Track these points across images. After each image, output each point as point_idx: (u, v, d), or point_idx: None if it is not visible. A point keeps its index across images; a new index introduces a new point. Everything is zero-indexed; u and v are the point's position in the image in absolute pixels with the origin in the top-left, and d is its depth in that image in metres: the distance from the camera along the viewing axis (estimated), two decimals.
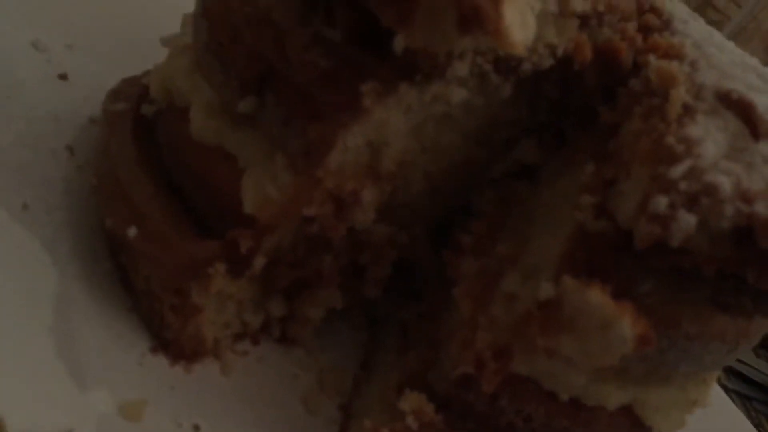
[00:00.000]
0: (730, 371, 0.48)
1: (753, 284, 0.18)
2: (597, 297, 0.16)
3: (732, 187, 0.16)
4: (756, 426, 0.44)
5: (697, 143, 0.17)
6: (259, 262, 0.20)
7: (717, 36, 0.25)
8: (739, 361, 0.49)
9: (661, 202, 0.16)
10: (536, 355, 0.17)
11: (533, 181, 0.24)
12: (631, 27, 0.21)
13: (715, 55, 0.22)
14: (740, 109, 0.18)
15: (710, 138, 0.17)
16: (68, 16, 0.30)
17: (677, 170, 0.16)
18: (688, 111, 0.18)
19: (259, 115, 0.20)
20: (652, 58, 0.19)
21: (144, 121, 0.23)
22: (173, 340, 0.20)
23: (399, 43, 0.17)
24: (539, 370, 0.19)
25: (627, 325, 0.16)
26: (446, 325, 0.22)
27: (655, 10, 0.23)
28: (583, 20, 0.20)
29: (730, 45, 0.25)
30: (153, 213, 0.20)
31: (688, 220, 0.16)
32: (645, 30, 0.22)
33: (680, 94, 0.18)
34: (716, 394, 0.37)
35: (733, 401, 0.47)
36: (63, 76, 0.28)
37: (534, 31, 0.17)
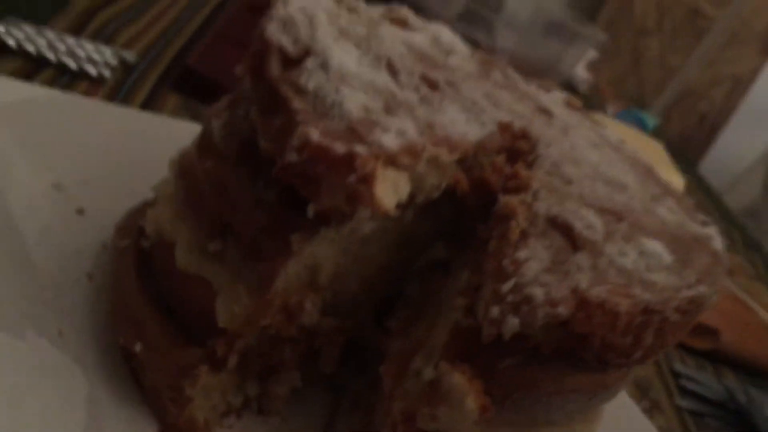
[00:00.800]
0: (681, 390, 0.54)
1: (590, 359, 0.25)
2: (458, 378, 0.23)
3: (543, 296, 0.23)
4: None
5: (524, 263, 0.23)
6: (232, 360, 0.27)
7: (585, 146, 0.32)
8: (687, 378, 0.55)
9: (495, 311, 0.23)
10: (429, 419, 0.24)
11: (446, 273, 0.31)
12: (500, 159, 0.28)
13: (567, 174, 0.29)
14: (563, 229, 0.25)
15: (536, 257, 0.24)
16: (83, 155, 0.38)
17: (506, 286, 0.23)
18: (523, 236, 0.25)
19: (224, 253, 0.27)
20: (500, 194, 0.26)
21: (143, 253, 0.30)
22: (173, 424, 0.27)
23: (310, 209, 0.24)
24: (439, 425, 0.26)
25: (471, 399, 0.23)
26: (379, 394, 0.29)
27: (525, 136, 0.30)
28: (459, 161, 0.27)
29: (594, 155, 0.32)
30: (152, 329, 0.27)
31: (513, 321, 0.23)
32: (514, 157, 0.29)
33: (518, 224, 0.25)
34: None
35: (686, 421, 0.52)
36: (80, 211, 0.35)
37: (407, 191, 0.24)
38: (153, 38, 0.57)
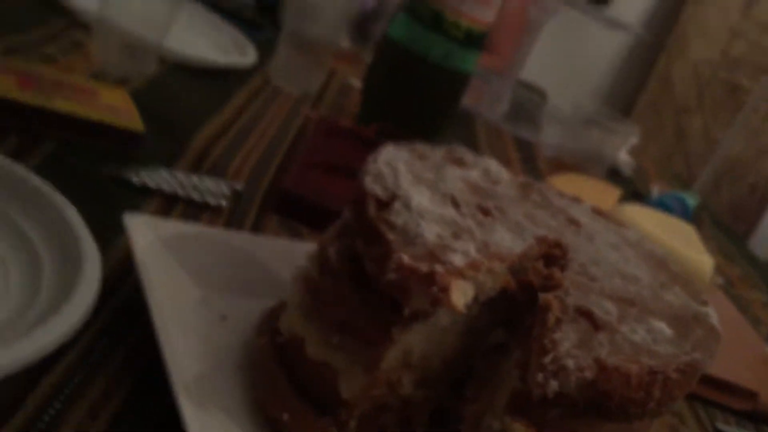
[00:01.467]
0: None
1: (614, 410, 0.34)
2: (518, 427, 0.33)
3: (574, 365, 0.32)
4: None
5: (558, 342, 0.33)
6: (353, 423, 0.37)
7: (606, 248, 0.42)
8: None
9: (540, 377, 0.32)
10: None
11: (504, 352, 0.40)
12: (539, 264, 0.38)
13: (591, 273, 0.39)
14: (587, 315, 0.35)
15: (567, 337, 0.34)
16: (220, 273, 0.49)
17: (547, 359, 0.33)
18: (557, 322, 0.34)
19: (343, 344, 0.37)
20: (540, 293, 0.36)
21: (279, 347, 0.41)
22: None
23: (405, 310, 0.34)
24: None
25: None
26: None
27: (558, 245, 0.40)
28: (509, 269, 0.37)
29: (613, 255, 0.42)
30: (294, 403, 0.38)
31: (553, 384, 0.32)
32: (550, 262, 0.39)
33: (553, 314, 0.34)
34: None
35: None
36: (223, 318, 0.46)
37: (472, 294, 0.35)
38: (253, 167, 0.69)
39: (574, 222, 0.44)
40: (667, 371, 0.34)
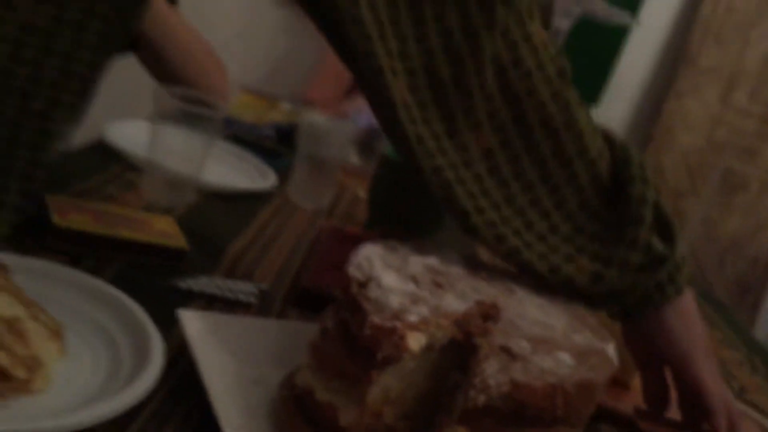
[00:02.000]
0: None
1: (532, 416, 0.48)
2: (461, 429, 0.47)
3: (495, 384, 0.47)
4: None
5: (485, 369, 0.48)
6: None
7: (532, 307, 0.57)
8: None
9: (473, 393, 0.47)
10: None
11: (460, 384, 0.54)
12: (478, 320, 0.53)
13: (516, 323, 0.53)
14: (507, 351, 0.49)
15: (491, 366, 0.48)
16: (259, 350, 0.64)
17: (477, 380, 0.47)
18: (485, 356, 0.49)
19: (341, 388, 0.52)
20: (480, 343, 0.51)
21: (295, 397, 0.55)
22: None
23: (379, 356, 0.49)
24: None
25: None
26: None
27: (493, 306, 0.55)
28: (455, 324, 0.52)
29: (536, 312, 0.56)
30: None
31: (481, 398, 0.46)
32: (486, 318, 0.54)
33: (482, 351, 0.49)
34: None
35: None
36: (256, 382, 0.61)
37: (424, 342, 0.49)
38: (276, 270, 0.86)
39: (510, 289, 0.59)
40: (565, 385, 0.48)
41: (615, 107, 2.29)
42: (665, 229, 0.66)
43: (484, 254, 0.99)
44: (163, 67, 1.13)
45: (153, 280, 0.73)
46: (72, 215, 0.74)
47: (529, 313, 0.56)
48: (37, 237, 0.72)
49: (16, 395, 0.50)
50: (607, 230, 0.65)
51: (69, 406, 0.51)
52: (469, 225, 0.63)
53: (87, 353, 0.58)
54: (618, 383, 0.73)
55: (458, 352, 0.53)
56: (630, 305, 0.63)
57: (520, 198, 0.65)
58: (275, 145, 1.39)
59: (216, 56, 1.38)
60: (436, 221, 1.09)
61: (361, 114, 1.41)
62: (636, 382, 0.71)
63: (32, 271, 0.61)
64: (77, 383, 0.54)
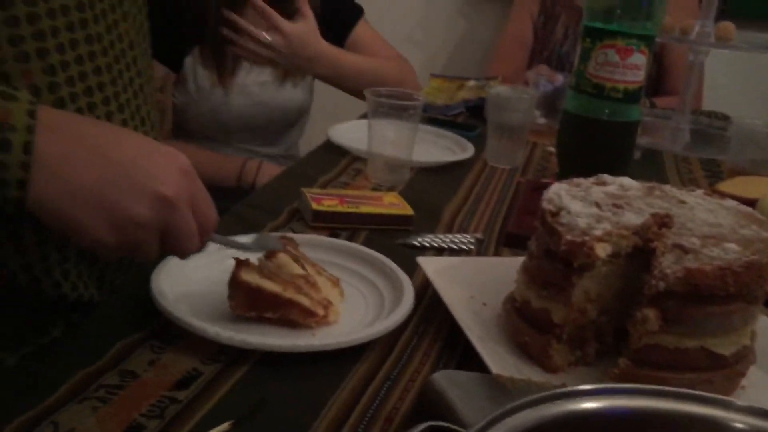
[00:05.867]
0: None
1: (707, 296, 0.60)
2: (650, 311, 0.60)
3: (671, 271, 0.59)
4: None
5: (663, 261, 0.61)
6: (564, 337, 0.66)
7: (703, 212, 0.68)
8: None
9: (653, 281, 0.60)
10: None
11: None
12: (654, 227, 0.65)
13: (687, 226, 0.65)
14: (680, 247, 0.61)
15: (668, 260, 0.61)
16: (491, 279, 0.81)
17: (656, 271, 0.60)
18: (662, 252, 0.61)
19: (549, 295, 0.67)
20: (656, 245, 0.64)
21: (516, 309, 0.72)
22: (546, 366, 0.66)
23: (575, 264, 0.64)
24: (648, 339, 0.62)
25: (654, 315, 0.59)
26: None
27: (666, 215, 0.67)
28: (635, 233, 0.65)
29: (706, 215, 0.68)
30: (529, 332, 0.68)
31: (661, 284, 0.59)
32: (661, 225, 0.66)
33: (659, 249, 0.62)
34: None
35: None
36: (484, 304, 0.78)
37: (609, 250, 0.63)
38: (486, 222, 1.02)
39: (682, 202, 0.70)
40: (733, 267, 0.59)
41: None
42: None
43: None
44: (349, 88, 1.51)
45: (392, 240, 0.92)
46: (325, 201, 0.96)
47: (699, 217, 0.67)
48: (305, 221, 0.95)
49: (319, 326, 0.71)
50: None
51: (355, 329, 0.71)
52: None
53: (358, 295, 0.78)
54: None
55: (641, 255, 0.66)
56: None
57: None
58: (468, 120, 1.55)
59: (398, 58, 1.61)
60: (622, 162, 1.19)
61: (541, 80, 1.53)
62: None
63: (309, 244, 0.83)
64: (356, 316, 0.75)
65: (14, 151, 0.52)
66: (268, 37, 1.30)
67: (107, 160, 0.56)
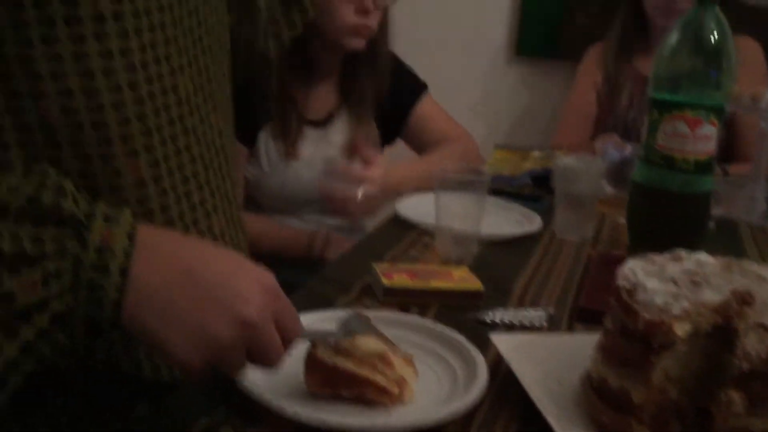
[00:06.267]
0: None
1: None
2: (734, 393, 0.58)
3: (755, 353, 0.58)
4: None
5: (746, 341, 0.59)
6: (646, 419, 0.65)
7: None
8: None
9: (737, 362, 0.58)
10: None
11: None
12: (735, 305, 0.64)
13: (765, 296, 0.64)
14: (762, 326, 0.60)
15: (750, 339, 0.59)
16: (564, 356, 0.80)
17: (739, 351, 0.59)
18: (745, 331, 0.60)
19: (627, 374, 0.66)
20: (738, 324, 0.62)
21: (593, 387, 0.71)
22: None
23: (654, 344, 0.63)
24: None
25: (739, 398, 0.57)
26: None
27: (747, 293, 0.66)
28: (715, 311, 0.64)
29: None
30: (608, 412, 0.67)
31: (745, 364, 0.58)
32: (741, 303, 0.65)
33: (742, 328, 0.60)
34: None
35: None
36: (559, 383, 0.77)
37: (689, 329, 0.62)
38: (558, 297, 1.01)
39: (761, 278, 0.69)
40: None
41: None
42: None
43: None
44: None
45: (462, 314, 0.93)
46: (395, 276, 0.97)
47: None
48: (375, 296, 0.96)
49: (393, 404, 0.72)
50: None
51: (430, 408, 0.71)
52: None
53: (431, 373, 0.79)
54: None
55: (722, 334, 0.65)
56: None
57: None
58: (534, 191, 1.56)
59: (461, 138, 1.66)
60: (695, 234, 1.17)
61: (609, 149, 1.53)
62: None
63: (381, 320, 0.84)
64: (430, 394, 0.75)
65: (112, 275, 0.56)
66: (360, 193, 1.36)
67: (196, 284, 0.60)
